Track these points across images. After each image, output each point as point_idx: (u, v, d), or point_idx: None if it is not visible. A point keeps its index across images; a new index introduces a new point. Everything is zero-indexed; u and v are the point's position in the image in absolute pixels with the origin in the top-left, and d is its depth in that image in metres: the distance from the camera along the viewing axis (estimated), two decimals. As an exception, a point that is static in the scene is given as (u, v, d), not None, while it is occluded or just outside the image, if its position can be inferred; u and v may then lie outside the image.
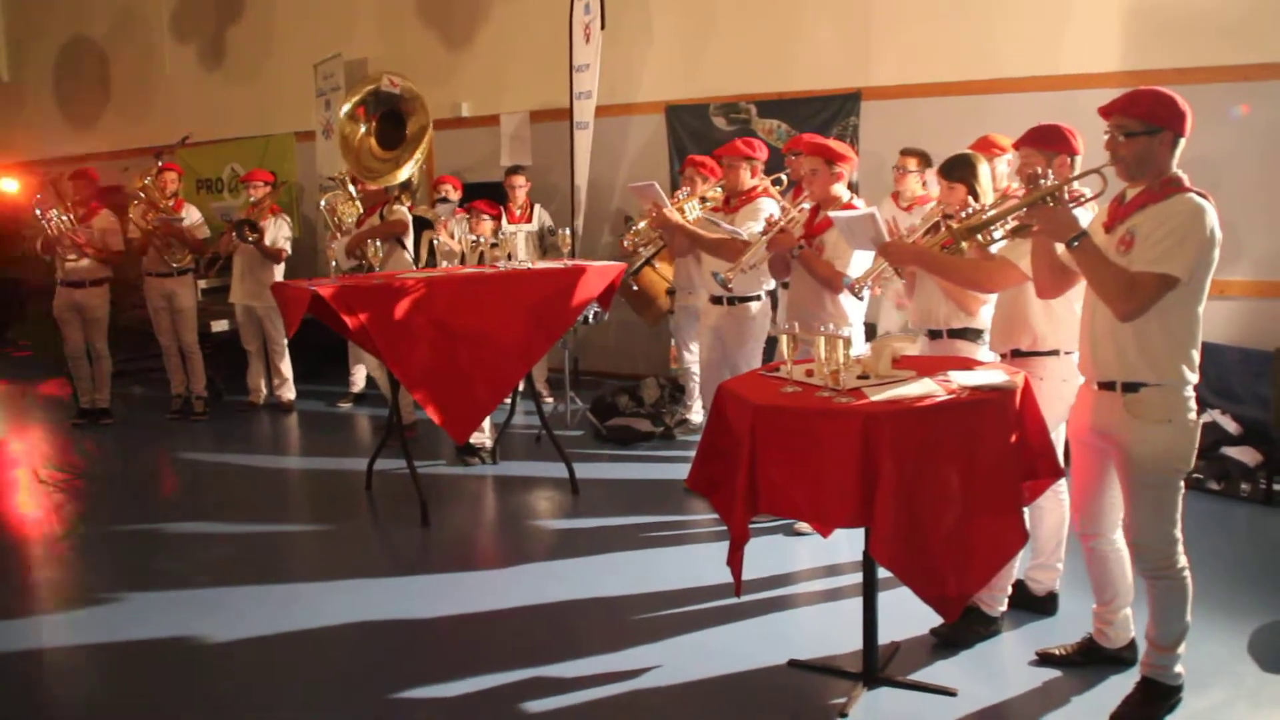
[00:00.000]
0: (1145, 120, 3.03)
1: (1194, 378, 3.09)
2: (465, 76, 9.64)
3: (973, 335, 4.05)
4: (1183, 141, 3.06)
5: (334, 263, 7.44)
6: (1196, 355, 3.09)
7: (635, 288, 7.48)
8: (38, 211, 7.42)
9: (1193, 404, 3.12)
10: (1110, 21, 6.62)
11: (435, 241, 7.22)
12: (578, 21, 8.24)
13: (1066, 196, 3.17)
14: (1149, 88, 3.10)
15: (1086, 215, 3.34)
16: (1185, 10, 6.33)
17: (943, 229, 3.89)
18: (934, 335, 4.14)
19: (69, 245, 7.38)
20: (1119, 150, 3.08)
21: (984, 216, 3.52)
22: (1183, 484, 3.16)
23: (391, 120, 6.90)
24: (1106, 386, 3.18)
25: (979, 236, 3.49)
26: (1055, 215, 3.10)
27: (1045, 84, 6.75)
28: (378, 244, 7.13)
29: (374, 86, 6.89)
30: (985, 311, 4.02)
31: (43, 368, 10.30)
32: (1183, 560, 3.17)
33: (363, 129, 6.93)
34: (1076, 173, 3.60)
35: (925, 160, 6.15)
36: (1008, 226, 3.47)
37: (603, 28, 8.20)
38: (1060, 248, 3.18)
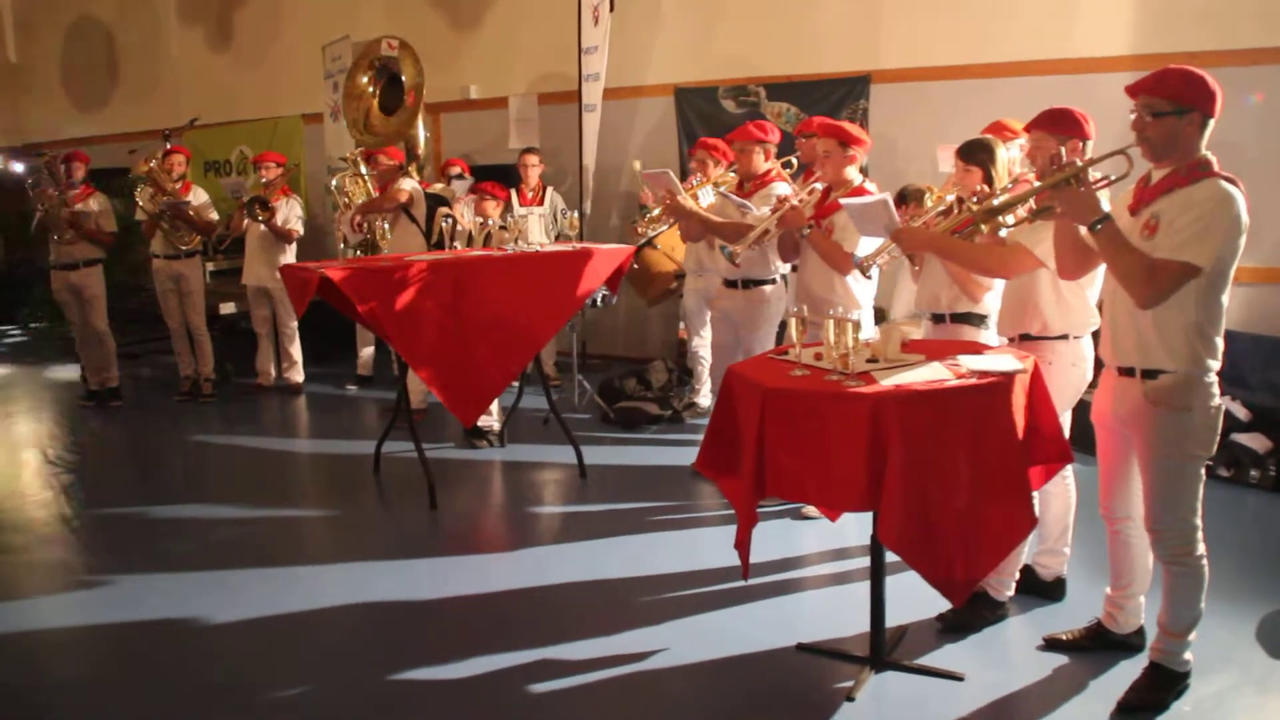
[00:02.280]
0: (1174, 100, 2.96)
1: (1216, 365, 3.04)
2: (473, 58, 9.62)
3: (976, 320, 4.05)
4: (1212, 123, 2.99)
5: (341, 245, 7.44)
6: (1219, 342, 3.04)
7: (635, 265, 7.47)
8: (31, 193, 7.43)
9: (1215, 390, 3.07)
10: (1122, 4, 6.58)
11: (444, 223, 7.20)
12: (586, 3, 8.20)
13: (1091, 178, 3.10)
14: (1178, 66, 3.02)
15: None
16: (1198, -8, 6.30)
17: (956, 211, 3.87)
18: (937, 319, 4.13)
19: (63, 226, 7.38)
20: (1146, 130, 3.01)
21: (1007, 198, 3.48)
22: (1203, 471, 3.12)
23: (395, 84, 6.87)
24: (1126, 372, 3.15)
25: (1000, 218, 3.42)
26: (1078, 197, 3.05)
27: (1056, 67, 6.71)
28: (385, 223, 7.12)
29: (377, 54, 6.86)
30: (989, 298, 4.01)
31: (52, 347, 10.34)
32: (1201, 548, 3.14)
33: (370, 90, 6.90)
34: (1090, 157, 3.58)
35: None
36: (1030, 208, 3.41)
37: (611, 9, 8.17)
38: (1083, 230, 3.14)
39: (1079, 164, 3.11)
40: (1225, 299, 3.04)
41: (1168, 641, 3.22)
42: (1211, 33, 6.19)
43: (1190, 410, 3.04)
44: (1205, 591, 3.17)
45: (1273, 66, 6.05)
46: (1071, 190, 3.06)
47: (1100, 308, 3.73)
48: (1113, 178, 3.17)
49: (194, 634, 4.00)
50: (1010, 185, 3.88)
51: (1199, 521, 3.13)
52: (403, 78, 6.68)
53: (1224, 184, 2.94)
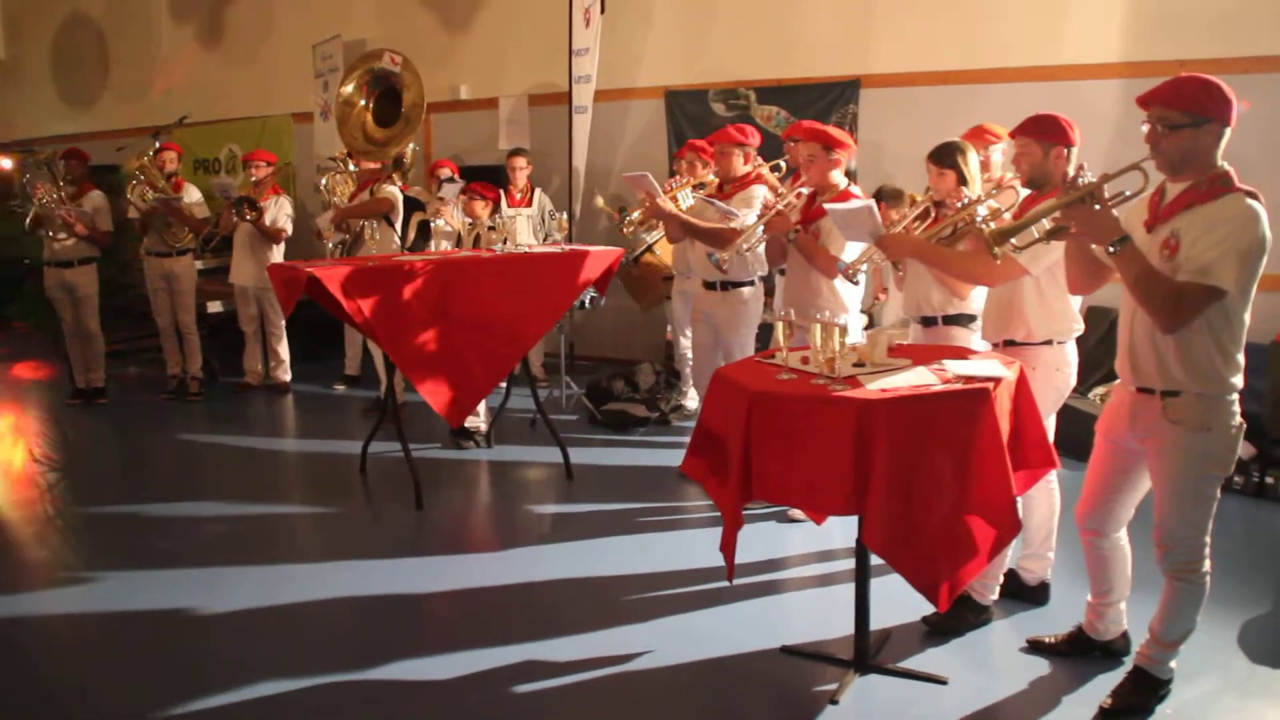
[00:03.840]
0: (1191, 111, 2.84)
1: (1238, 383, 2.97)
2: (464, 59, 9.61)
3: (965, 321, 4.06)
4: (1228, 132, 2.89)
5: (330, 245, 7.42)
6: (1241, 360, 2.96)
7: (635, 273, 7.48)
8: (28, 190, 7.41)
9: (1236, 409, 3.00)
10: (1111, 12, 6.60)
11: (434, 224, 7.20)
12: (578, 5, 8.20)
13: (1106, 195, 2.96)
14: (1192, 75, 2.91)
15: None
16: (1188, 1, 6.31)
17: (934, 215, 3.88)
18: (928, 323, 4.13)
19: (59, 224, 7.36)
20: (1160, 144, 2.89)
21: (1021, 219, 3.36)
22: (1219, 490, 3.06)
23: (389, 98, 6.86)
24: (1145, 391, 3.08)
25: (1014, 240, 3.29)
26: (1096, 217, 2.91)
27: (1045, 74, 6.74)
28: (374, 226, 7.13)
29: (378, 64, 6.84)
30: (976, 295, 4.01)
31: (39, 345, 10.29)
32: (1207, 564, 3.10)
33: (362, 103, 6.88)
34: (1074, 164, 3.57)
35: None
36: (1045, 229, 3.24)
37: (603, 11, 8.18)
38: (1099, 250, 3.04)
39: (1094, 181, 2.96)
40: (1247, 317, 2.94)
41: (1157, 649, 3.21)
42: (1202, 40, 6.20)
43: (1209, 430, 2.97)
44: (1203, 606, 3.16)
45: (1259, 75, 6.06)
46: (1087, 209, 2.93)
47: (1086, 316, 3.77)
48: (1128, 194, 3.03)
49: (180, 631, 3.99)
50: (994, 191, 3.91)
51: (1208, 539, 3.09)
52: (403, 95, 6.67)
53: (1248, 200, 2.83)
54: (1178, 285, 2.82)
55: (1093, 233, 2.97)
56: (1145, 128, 2.95)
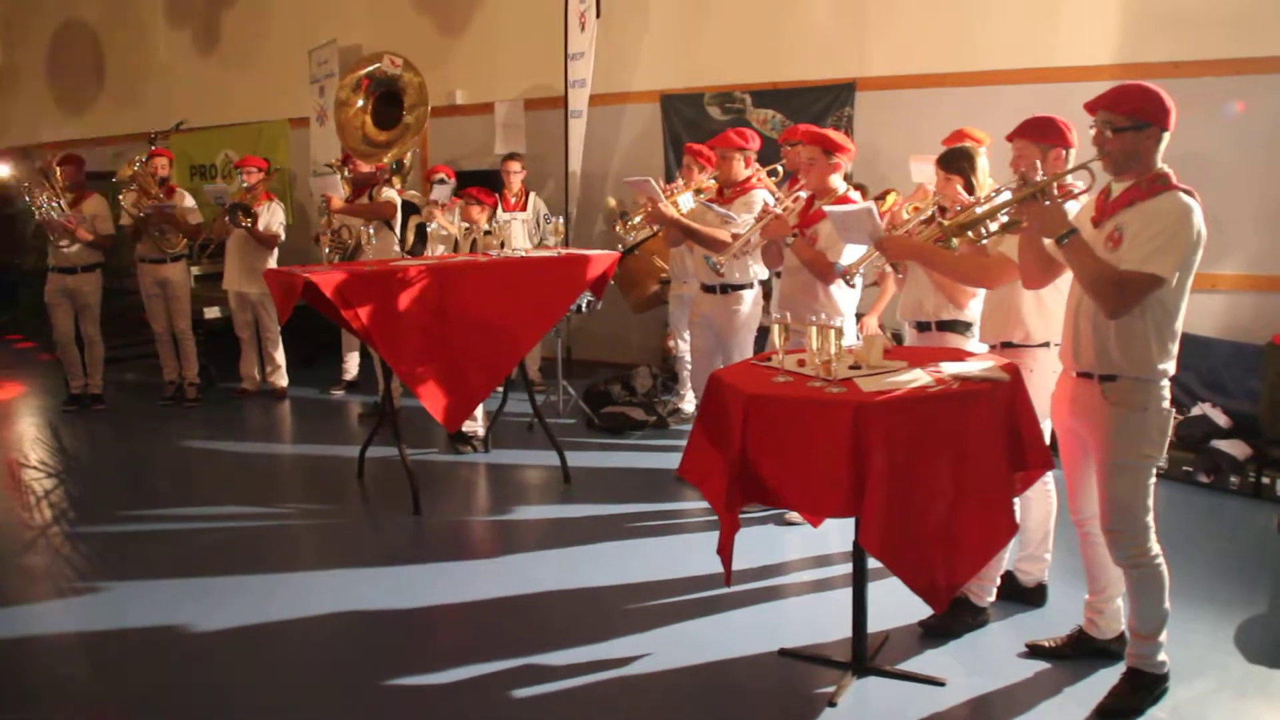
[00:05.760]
0: (1132, 115, 3.05)
1: (1170, 369, 3.14)
2: (459, 64, 9.62)
3: (961, 328, 4.07)
4: (1167, 136, 3.09)
5: (326, 250, 7.42)
6: (1175, 348, 3.14)
7: (627, 264, 7.47)
8: (27, 198, 7.41)
9: (1166, 393, 3.17)
10: (1105, 14, 6.62)
11: (430, 227, 7.22)
12: (573, 9, 8.22)
13: (1057, 192, 3.18)
14: (1135, 82, 3.13)
15: (1073, 208, 3.35)
16: (1180, 3, 6.33)
17: (939, 220, 3.90)
18: (923, 327, 4.14)
19: (61, 231, 7.36)
20: (1106, 145, 3.11)
21: (975, 213, 3.50)
22: (1155, 472, 3.20)
23: (388, 101, 6.86)
24: (1085, 376, 3.23)
25: (970, 233, 3.47)
26: (1046, 212, 3.12)
27: (1040, 76, 6.76)
28: (371, 230, 7.14)
29: (376, 65, 6.85)
30: (974, 304, 4.03)
31: (34, 354, 10.29)
32: (1156, 548, 3.20)
33: (360, 103, 6.88)
34: (1070, 166, 3.61)
35: None
36: (1000, 222, 3.43)
37: (598, 16, 8.20)
38: (1050, 243, 3.21)
39: (1046, 178, 3.17)
40: (1184, 305, 3.12)
41: (1140, 644, 3.26)
42: (1193, 43, 6.22)
43: (1144, 411, 3.13)
44: (1168, 590, 3.22)
45: (1253, 76, 6.09)
46: (1038, 205, 3.13)
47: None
48: (1077, 191, 3.27)
49: (177, 640, 3.98)
50: (993, 193, 3.92)
51: (1151, 521, 3.20)
52: (404, 100, 6.68)
53: (1184, 197, 3.02)
54: (1121, 274, 3.01)
55: (1043, 226, 3.17)
56: (1092, 130, 3.16)
